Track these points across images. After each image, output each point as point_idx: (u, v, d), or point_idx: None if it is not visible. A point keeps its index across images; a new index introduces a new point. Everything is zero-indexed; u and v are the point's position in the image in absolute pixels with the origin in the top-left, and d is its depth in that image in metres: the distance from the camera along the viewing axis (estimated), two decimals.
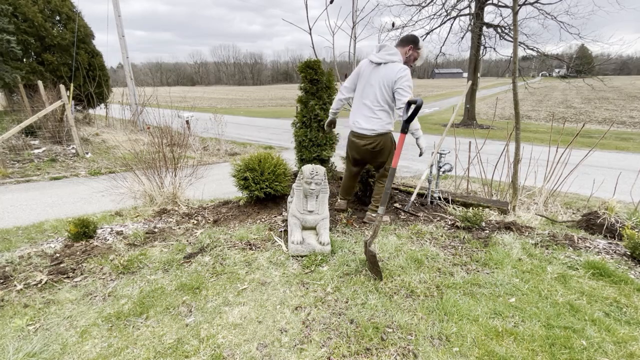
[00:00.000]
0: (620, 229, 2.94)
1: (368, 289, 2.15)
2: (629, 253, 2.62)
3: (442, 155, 3.60)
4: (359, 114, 2.96)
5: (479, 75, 15.53)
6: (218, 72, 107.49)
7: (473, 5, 13.83)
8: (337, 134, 4.23)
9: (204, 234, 3.00)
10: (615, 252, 2.70)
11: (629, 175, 3.93)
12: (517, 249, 2.68)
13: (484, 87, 41.12)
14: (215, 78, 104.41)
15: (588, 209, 3.68)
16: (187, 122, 8.65)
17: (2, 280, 2.29)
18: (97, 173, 6.26)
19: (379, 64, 2.82)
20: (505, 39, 13.45)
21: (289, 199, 3.07)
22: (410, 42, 2.89)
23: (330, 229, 3.00)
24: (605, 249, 2.75)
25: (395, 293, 2.12)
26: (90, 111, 12.06)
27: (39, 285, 2.23)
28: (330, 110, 3.25)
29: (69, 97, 7.37)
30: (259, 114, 20.62)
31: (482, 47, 14.34)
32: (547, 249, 2.73)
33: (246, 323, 1.86)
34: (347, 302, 2.03)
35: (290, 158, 4.02)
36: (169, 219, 3.42)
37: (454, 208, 3.58)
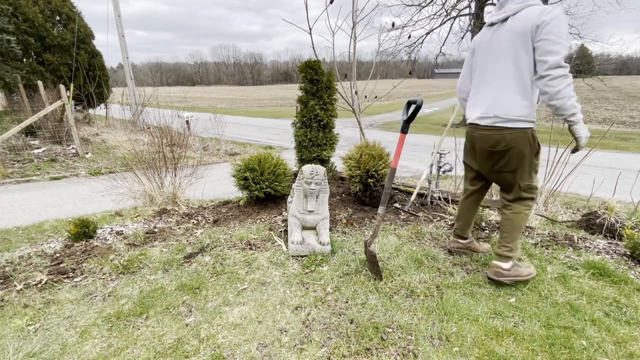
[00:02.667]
0: (620, 229, 2.94)
1: (368, 289, 2.15)
2: (629, 253, 2.62)
3: (442, 155, 3.60)
4: (475, 97, 2.19)
5: None
6: (218, 72, 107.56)
7: (473, 5, 13.83)
8: (337, 134, 4.23)
9: (204, 234, 3.00)
10: (615, 252, 2.70)
11: (629, 175, 3.92)
12: None
13: None
14: (215, 78, 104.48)
15: (588, 209, 3.68)
16: (187, 122, 8.65)
17: (2, 280, 2.29)
18: (97, 173, 6.26)
19: (505, 19, 1.99)
20: None
21: (289, 199, 3.07)
22: None
23: (330, 229, 3.00)
24: (605, 249, 2.75)
25: (395, 293, 2.12)
26: (90, 111, 12.06)
27: (39, 285, 2.23)
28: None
29: (69, 97, 7.37)
30: (259, 114, 20.62)
31: None
32: (547, 248, 2.73)
33: (246, 323, 1.86)
34: (347, 302, 2.03)
35: (290, 158, 4.02)
36: (169, 219, 3.42)
37: (454, 208, 3.58)
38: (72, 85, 9.08)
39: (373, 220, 3.24)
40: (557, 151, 3.68)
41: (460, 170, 4.27)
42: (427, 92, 37.21)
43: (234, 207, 3.66)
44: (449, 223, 3.24)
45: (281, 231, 3.01)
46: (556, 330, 1.78)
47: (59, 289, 2.20)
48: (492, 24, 2.07)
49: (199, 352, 1.66)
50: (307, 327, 1.83)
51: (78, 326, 1.86)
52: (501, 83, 2.01)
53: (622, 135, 12.17)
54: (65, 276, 2.33)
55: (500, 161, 2.10)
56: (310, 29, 4.20)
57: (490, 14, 2.13)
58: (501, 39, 1.99)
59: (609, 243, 2.86)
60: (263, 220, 3.31)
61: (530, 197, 2.18)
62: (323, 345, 1.70)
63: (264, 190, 3.38)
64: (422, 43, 14.99)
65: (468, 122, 2.23)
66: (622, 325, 1.83)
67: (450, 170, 3.66)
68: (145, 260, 2.55)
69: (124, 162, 5.39)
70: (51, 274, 2.34)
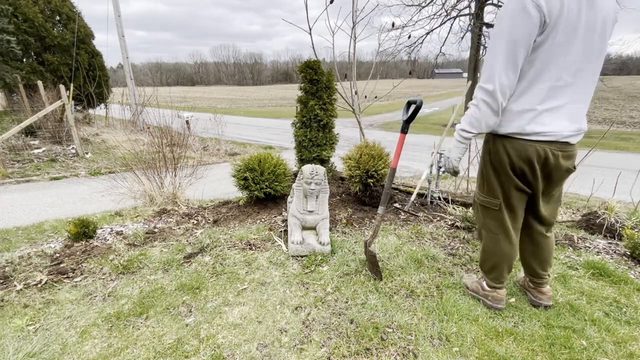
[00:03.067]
0: (620, 229, 2.94)
1: (368, 289, 2.15)
2: (628, 253, 2.62)
3: (442, 156, 3.60)
4: (559, 102, 1.53)
5: (478, 75, 15.55)
6: (218, 72, 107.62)
7: (473, 5, 13.84)
8: (337, 134, 4.23)
9: (204, 234, 3.00)
10: (615, 252, 2.70)
11: (629, 175, 3.92)
12: None
13: None
14: (215, 78, 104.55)
15: (588, 209, 3.68)
16: (187, 122, 8.66)
17: (2, 281, 2.29)
18: (97, 173, 6.26)
19: None
20: None
21: (289, 199, 3.07)
22: None
23: (330, 229, 3.00)
24: (605, 249, 2.75)
25: (395, 293, 2.12)
26: (90, 111, 12.06)
27: (39, 286, 2.23)
28: (473, 127, 1.64)
29: (68, 97, 7.37)
30: (259, 114, 20.63)
31: (482, 47, 14.35)
32: None
33: (246, 323, 1.86)
34: (347, 302, 2.03)
35: (290, 158, 4.02)
36: (169, 219, 3.41)
37: (454, 208, 3.58)
38: (72, 85, 9.08)
39: (373, 220, 3.24)
40: None
41: (460, 170, 4.27)
42: (427, 92, 37.21)
43: (234, 207, 3.66)
44: (449, 223, 3.24)
45: (281, 231, 3.01)
46: (556, 330, 1.78)
47: (59, 289, 2.20)
48: None
49: (199, 352, 1.66)
50: (307, 327, 1.83)
51: (78, 326, 1.86)
52: (593, 85, 1.55)
53: (622, 135, 12.18)
54: (65, 276, 2.33)
55: (564, 180, 1.75)
56: (310, 29, 4.20)
57: None
58: (594, 20, 1.43)
59: (609, 243, 2.86)
60: (263, 220, 3.31)
61: None
62: (323, 345, 1.70)
63: (264, 191, 3.38)
64: (422, 43, 15.00)
65: (548, 138, 1.56)
66: (622, 325, 1.83)
67: None
68: (145, 260, 2.55)
69: (123, 162, 5.39)
70: (51, 274, 2.34)
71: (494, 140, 1.70)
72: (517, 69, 1.48)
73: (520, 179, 1.67)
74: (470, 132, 1.65)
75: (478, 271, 2.31)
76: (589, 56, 1.49)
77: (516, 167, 1.64)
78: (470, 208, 3.50)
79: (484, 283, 1.98)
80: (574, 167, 1.69)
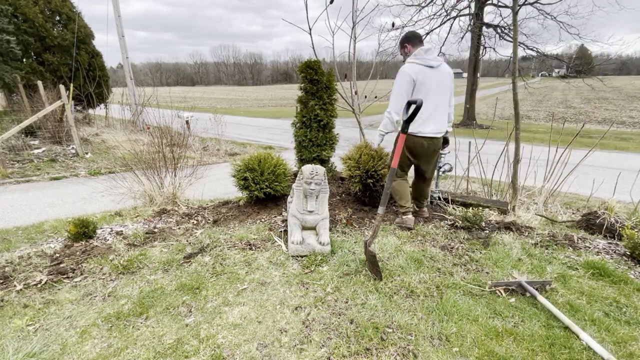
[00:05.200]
0: (620, 229, 2.94)
1: (368, 289, 2.15)
2: (628, 253, 2.62)
3: (442, 155, 3.60)
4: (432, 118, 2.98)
5: (478, 75, 15.53)
6: (218, 73, 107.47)
7: (473, 5, 13.83)
8: (337, 134, 4.23)
9: (204, 234, 3.00)
10: (615, 252, 2.70)
11: (628, 175, 3.92)
12: (517, 249, 2.68)
13: (484, 87, 41.09)
14: (215, 78, 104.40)
15: (588, 209, 3.68)
16: (187, 122, 8.65)
17: (2, 281, 2.29)
18: (97, 173, 6.26)
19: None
20: (505, 39, 13.46)
21: (289, 199, 3.07)
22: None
23: (330, 229, 3.00)
24: (605, 249, 2.75)
25: (395, 293, 2.12)
26: (90, 111, 12.05)
27: (39, 286, 2.23)
28: (385, 129, 3.07)
29: (68, 97, 7.37)
30: (259, 114, 20.63)
31: (482, 47, 14.36)
32: (546, 249, 2.73)
33: (246, 323, 1.86)
34: (347, 302, 2.03)
35: (290, 158, 4.02)
36: (168, 219, 3.41)
37: (453, 208, 3.58)
38: (72, 85, 9.07)
39: (373, 220, 3.24)
40: (556, 151, 3.68)
41: (460, 170, 4.28)
42: None
43: (233, 207, 3.66)
44: (449, 223, 3.24)
45: (281, 231, 3.01)
46: (556, 330, 1.78)
47: (58, 289, 2.20)
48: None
49: (198, 352, 1.66)
50: (307, 327, 1.83)
51: (78, 326, 1.86)
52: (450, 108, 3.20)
53: (622, 135, 12.18)
54: (65, 276, 2.33)
55: (435, 157, 3.27)
56: (310, 29, 4.20)
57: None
58: (439, 78, 2.97)
59: (608, 243, 2.86)
60: (263, 220, 3.31)
61: None
62: (323, 346, 1.70)
63: (263, 191, 3.38)
64: None
65: (424, 135, 2.98)
66: (622, 325, 1.83)
67: (450, 170, 3.66)
68: (145, 260, 2.55)
69: (123, 162, 5.39)
70: (51, 274, 2.34)
71: (407, 136, 2.70)
72: (404, 101, 2.46)
73: (411, 154, 3.07)
74: (382, 132, 3.11)
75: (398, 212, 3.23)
76: (441, 96, 2.96)
77: (410, 148, 3.02)
78: (470, 208, 3.51)
79: (402, 216, 3.17)
80: (440, 149, 3.21)
